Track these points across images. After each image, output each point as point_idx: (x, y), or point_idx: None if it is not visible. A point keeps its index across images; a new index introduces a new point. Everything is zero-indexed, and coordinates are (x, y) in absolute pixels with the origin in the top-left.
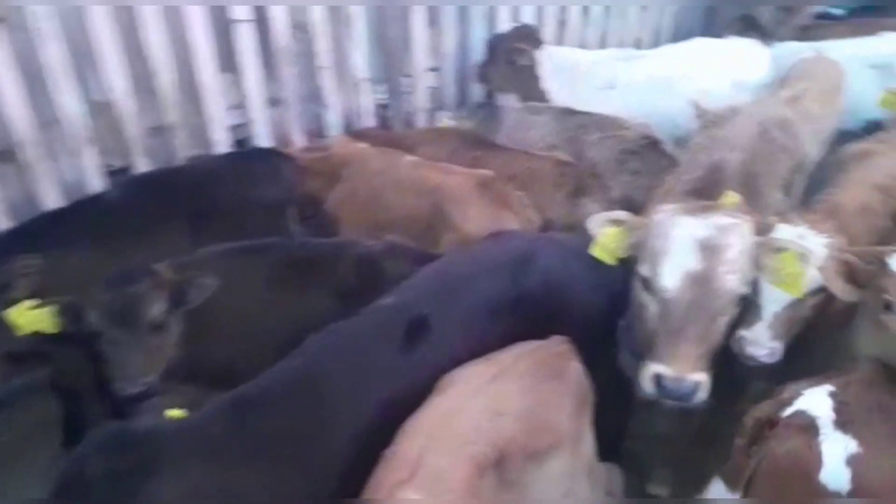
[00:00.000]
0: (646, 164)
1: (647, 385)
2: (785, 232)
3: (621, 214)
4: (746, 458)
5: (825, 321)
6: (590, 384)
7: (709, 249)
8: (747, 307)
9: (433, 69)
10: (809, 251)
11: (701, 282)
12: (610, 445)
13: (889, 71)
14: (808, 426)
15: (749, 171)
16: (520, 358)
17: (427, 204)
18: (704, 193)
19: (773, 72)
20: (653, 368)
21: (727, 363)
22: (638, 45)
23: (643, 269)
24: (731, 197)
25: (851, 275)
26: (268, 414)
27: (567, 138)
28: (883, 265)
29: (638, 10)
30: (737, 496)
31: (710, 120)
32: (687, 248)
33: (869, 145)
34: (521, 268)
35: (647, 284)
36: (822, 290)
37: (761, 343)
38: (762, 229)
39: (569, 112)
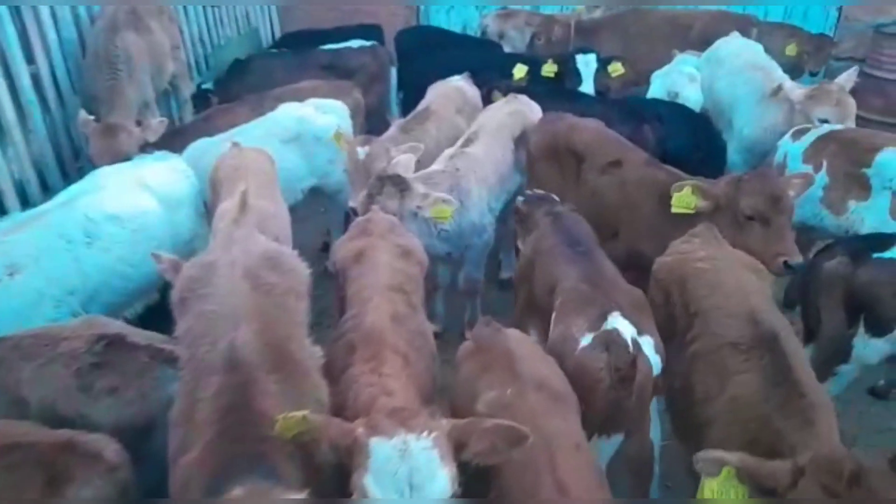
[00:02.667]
0: (122, 374)
1: None
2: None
3: None
4: None
5: None
6: None
7: None
8: None
9: None
10: None
11: None
12: None
13: (301, 141)
14: None
15: (271, 342)
16: None
17: None
18: (234, 415)
19: (193, 175)
20: None
21: None
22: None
23: None
24: (287, 420)
25: None
26: None
27: None
28: None
29: None
30: None
31: (184, 290)
32: None
33: (357, 243)
34: None
35: None
36: None
37: None
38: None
39: None
